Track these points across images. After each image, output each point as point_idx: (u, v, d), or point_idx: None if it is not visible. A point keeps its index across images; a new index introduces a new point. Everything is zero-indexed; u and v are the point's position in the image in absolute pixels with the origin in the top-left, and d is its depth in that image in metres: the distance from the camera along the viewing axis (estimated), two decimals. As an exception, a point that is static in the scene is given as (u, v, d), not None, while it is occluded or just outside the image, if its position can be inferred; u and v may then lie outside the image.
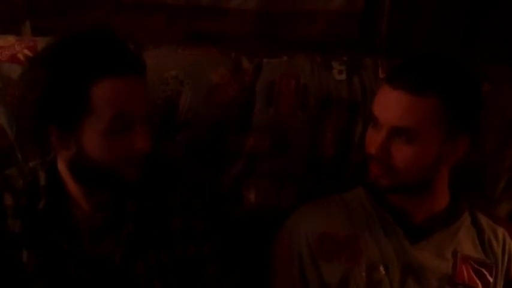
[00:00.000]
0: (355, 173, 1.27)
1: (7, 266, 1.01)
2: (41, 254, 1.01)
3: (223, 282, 1.07)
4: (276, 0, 1.42)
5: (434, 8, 1.44)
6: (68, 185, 1.02)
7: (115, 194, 1.03)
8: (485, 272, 1.09)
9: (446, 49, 1.43)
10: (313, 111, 1.27)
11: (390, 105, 1.02)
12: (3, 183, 1.04)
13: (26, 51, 1.25)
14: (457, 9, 1.43)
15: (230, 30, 1.45)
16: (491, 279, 1.09)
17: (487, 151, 1.28)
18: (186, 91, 1.26)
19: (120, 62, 0.93)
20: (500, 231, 1.15)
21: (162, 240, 1.03)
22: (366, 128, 1.16)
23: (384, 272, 1.07)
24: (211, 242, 1.06)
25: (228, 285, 1.07)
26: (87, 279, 1.02)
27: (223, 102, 1.26)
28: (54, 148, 0.98)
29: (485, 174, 1.29)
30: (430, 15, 1.45)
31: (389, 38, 1.46)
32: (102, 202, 1.03)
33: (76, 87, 0.90)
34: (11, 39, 1.29)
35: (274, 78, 1.28)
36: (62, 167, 1.01)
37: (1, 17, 1.40)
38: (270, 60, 1.31)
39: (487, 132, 1.27)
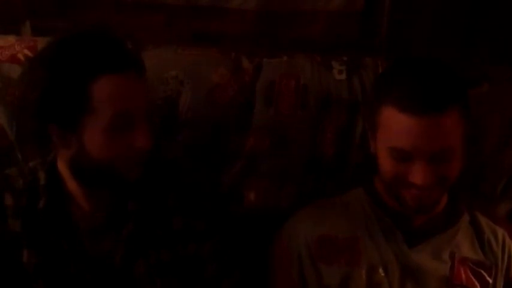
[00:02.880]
0: (355, 173, 1.27)
1: (7, 266, 1.01)
2: (41, 253, 1.01)
3: (224, 282, 1.07)
4: (276, 0, 1.42)
5: (434, 8, 1.44)
6: (68, 184, 1.02)
7: (115, 193, 1.03)
8: (484, 273, 1.09)
9: (447, 49, 1.43)
10: (313, 111, 1.27)
11: (424, 134, 0.97)
12: (3, 183, 1.04)
13: (26, 51, 1.25)
14: (457, 9, 1.43)
15: (230, 30, 1.45)
16: (490, 280, 1.08)
17: (487, 151, 1.28)
18: (186, 91, 1.26)
19: (118, 59, 0.93)
20: (500, 231, 1.15)
21: (163, 240, 1.03)
22: (366, 128, 1.16)
23: (383, 274, 1.06)
24: (211, 241, 1.06)
25: (228, 284, 1.07)
26: (88, 279, 1.02)
27: (223, 102, 1.26)
28: (55, 147, 0.98)
29: (485, 174, 1.29)
30: (430, 15, 1.45)
31: (389, 38, 1.46)
32: (102, 202, 1.03)
33: (75, 85, 0.90)
34: (11, 39, 1.28)
35: (274, 78, 1.28)
36: (62, 166, 1.01)
37: (1, 17, 1.40)
38: (270, 60, 1.30)
39: (487, 132, 1.27)
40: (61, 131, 0.94)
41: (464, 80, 1.05)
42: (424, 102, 0.96)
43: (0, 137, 1.24)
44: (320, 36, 1.44)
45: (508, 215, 1.31)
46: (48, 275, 1.01)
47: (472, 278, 1.08)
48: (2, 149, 1.24)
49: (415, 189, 1.01)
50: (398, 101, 0.98)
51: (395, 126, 0.99)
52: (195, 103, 1.25)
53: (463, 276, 1.08)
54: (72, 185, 1.01)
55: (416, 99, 0.96)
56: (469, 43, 1.45)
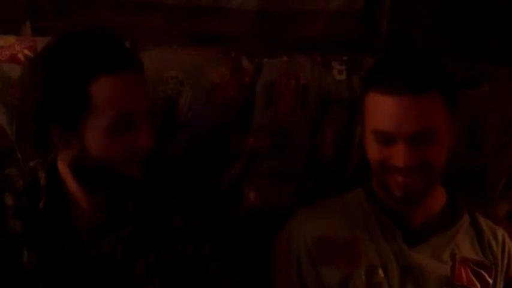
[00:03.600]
0: (355, 173, 1.27)
1: (7, 265, 1.01)
2: (42, 253, 1.01)
3: (224, 281, 1.07)
4: (276, 0, 1.42)
5: (434, 7, 1.44)
6: (68, 184, 1.02)
7: (116, 193, 1.03)
8: (484, 274, 1.09)
9: (447, 49, 1.42)
10: (313, 111, 1.27)
11: (403, 114, 0.99)
12: (3, 183, 1.04)
13: (26, 51, 1.25)
14: (457, 9, 1.43)
15: (230, 30, 1.44)
16: (490, 281, 1.09)
17: (487, 151, 1.28)
18: (186, 91, 1.26)
19: (117, 58, 0.93)
20: (500, 232, 1.15)
21: (163, 240, 1.04)
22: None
23: (383, 275, 1.06)
24: (211, 241, 1.06)
25: (228, 284, 1.07)
26: (88, 279, 1.02)
27: (223, 102, 1.26)
28: (56, 148, 0.98)
29: (485, 175, 1.29)
30: (430, 15, 1.44)
31: (389, 38, 1.46)
32: (103, 202, 1.03)
33: (75, 85, 0.91)
34: (11, 39, 1.29)
35: (274, 78, 1.28)
36: (62, 166, 1.02)
37: (1, 17, 1.40)
38: (270, 60, 1.31)
39: (487, 132, 1.27)
40: (62, 132, 0.94)
41: (446, 68, 1.05)
42: (402, 82, 0.99)
43: (0, 137, 1.24)
44: (320, 36, 1.44)
45: (507, 215, 1.31)
46: (48, 275, 1.01)
47: (473, 278, 1.08)
48: (2, 149, 1.24)
49: (398, 174, 1.02)
50: (379, 84, 1.02)
51: (377, 108, 1.02)
52: (195, 103, 1.26)
53: (464, 276, 1.08)
54: (72, 185, 1.01)
55: (396, 80, 1.00)
56: (469, 43, 1.45)
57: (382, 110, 1.01)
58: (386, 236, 1.10)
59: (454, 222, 1.12)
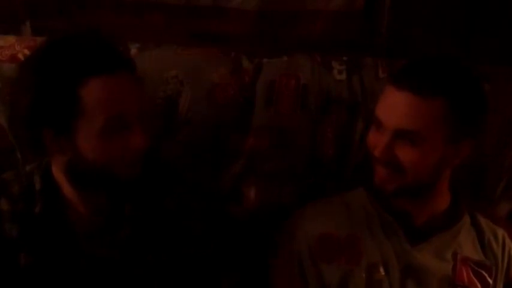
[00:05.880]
0: (355, 173, 1.27)
1: (5, 269, 1.00)
2: (39, 258, 1.00)
3: (223, 281, 1.07)
4: (276, 0, 1.42)
5: (434, 7, 1.44)
6: (63, 189, 1.01)
7: (112, 196, 1.02)
8: (485, 274, 1.09)
9: (446, 49, 1.43)
10: (313, 111, 1.27)
11: (395, 107, 1.01)
12: None
13: (26, 51, 1.25)
14: (457, 9, 1.43)
15: (230, 30, 1.44)
16: (490, 281, 1.09)
17: (487, 151, 1.28)
18: (186, 91, 1.26)
19: (105, 60, 0.92)
20: (500, 232, 1.15)
21: (160, 242, 1.03)
22: (366, 127, 1.16)
23: (383, 273, 1.06)
24: (210, 242, 1.06)
25: (228, 284, 1.07)
26: (86, 282, 1.01)
27: (223, 102, 1.26)
28: (49, 152, 0.97)
29: (485, 175, 1.29)
30: (430, 15, 1.44)
31: (389, 38, 1.46)
32: (99, 205, 1.02)
33: (65, 89, 0.89)
34: (11, 39, 1.28)
35: (274, 78, 1.28)
36: (56, 171, 1.00)
37: (1, 17, 1.40)
38: (270, 60, 1.30)
39: (487, 132, 1.27)
40: (55, 136, 0.93)
41: (480, 88, 1.05)
42: (407, 78, 1.00)
43: (0, 137, 1.24)
44: (320, 36, 1.44)
45: (508, 215, 1.31)
46: (45, 279, 1.00)
47: (474, 278, 1.08)
48: (2, 149, 1.24)
49: (376, 162, 1.04)
50: (393, 75, 1.06)
51: (382, 95, 1.05)
52: (195, 103, 1.25)
53: (465, 276, 1.08)
54: (67, 189, 1.00)
55: (404, 74, 1.02)
56: (469, 43, 1.45)
57: (384, 97, 1.05)
58: (388, 235, 1.10)
59: (454, 222, 1.12)
